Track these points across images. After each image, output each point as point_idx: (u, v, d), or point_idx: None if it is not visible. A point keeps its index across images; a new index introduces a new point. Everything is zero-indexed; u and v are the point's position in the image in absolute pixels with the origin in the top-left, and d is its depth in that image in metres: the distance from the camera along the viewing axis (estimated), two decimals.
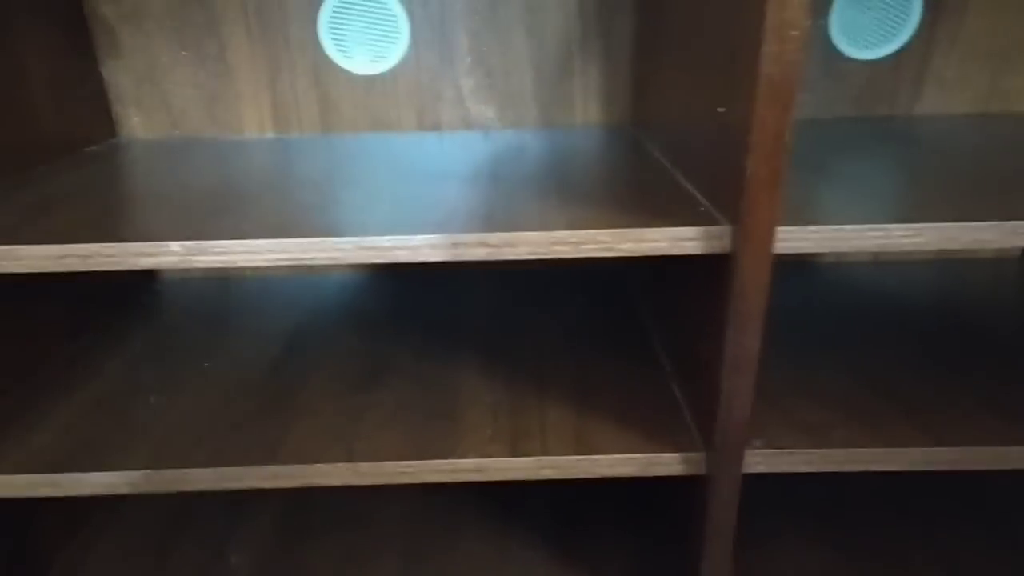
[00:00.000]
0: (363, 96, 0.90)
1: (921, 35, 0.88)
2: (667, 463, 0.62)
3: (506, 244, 0.53)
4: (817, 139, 0.81)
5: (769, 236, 0.51)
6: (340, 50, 0.88)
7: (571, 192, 0.62)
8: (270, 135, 0.91)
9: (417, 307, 0.91)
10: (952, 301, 0.87)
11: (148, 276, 0.98)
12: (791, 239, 0.52)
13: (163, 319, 0.89)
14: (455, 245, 0.53)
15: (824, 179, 0.64)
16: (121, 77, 0.88)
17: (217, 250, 0.53)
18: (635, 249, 0.53)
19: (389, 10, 0.86)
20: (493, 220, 0.56)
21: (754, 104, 0.47)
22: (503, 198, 0.61)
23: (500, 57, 0.89)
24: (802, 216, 0.53)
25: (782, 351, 0.75)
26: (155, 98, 0.89)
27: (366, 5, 0.86)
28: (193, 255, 0.53)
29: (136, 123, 0.91)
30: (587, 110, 0.92)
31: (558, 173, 0.69)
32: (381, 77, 0.90)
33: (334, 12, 0.86)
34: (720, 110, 0.54)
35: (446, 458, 0.62)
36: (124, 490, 0.61)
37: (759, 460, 0.61)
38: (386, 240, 0.53)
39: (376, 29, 0.87)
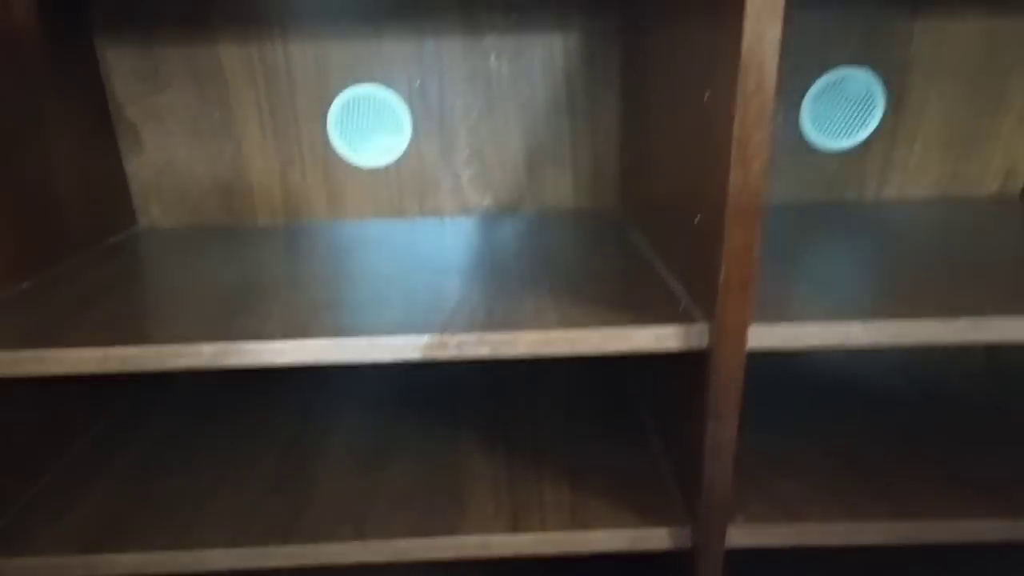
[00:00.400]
0: (369, 186, 0.97)
1: (885, 127, 0.95)
2: (656, 538, 0.67)
3: (505, 343, 0.58)
4: (791, 225, 0.87)
5: (742, 335, 0.57)
6: (347, 144, 0.94)
7: (563, 285, 0.68)
8: (281, 223, 0.98)
9: (423, 389, 0.96)
10: (919, 382, 0.93)
11: None
12: (763, 336, 0.58)
13: (180, 400, 0.94)
14: (460, 345, 0.59)
15: (796, 270, 0.70)
16: (143, 170, 0.95)
17: (244, 352, 0.59)
18: (623, 347, 0.59)
19: (393, 108, 0.93)
20: (493, 317, 0.61)
21: (723, 220, 0.53)
22: (501, 293, 0.67)
23: (496, 149, 0.96)
24: (774, 312, 0.59)
25: (762, 429, 0.81)
26: (174, 189, 0.96)
27: (372, 103, 0.93)
28: (222, 356, 0.59)
29: (156, 213, 0.97)
30: (578, 196, 0.99)
31: (551, 263, 0.75)
32: (386, 169, 0.96)
33: (342, 109, 0.93)
34: (696, 220, 0.60)
35: (452, 535, 0.66)
36: (151, 570, 0.66)
37: (741, 534, 0.66)
38: (398, 340, 0.59)
39: (381, 125, 0.94)
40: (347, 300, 0.67)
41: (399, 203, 0.98)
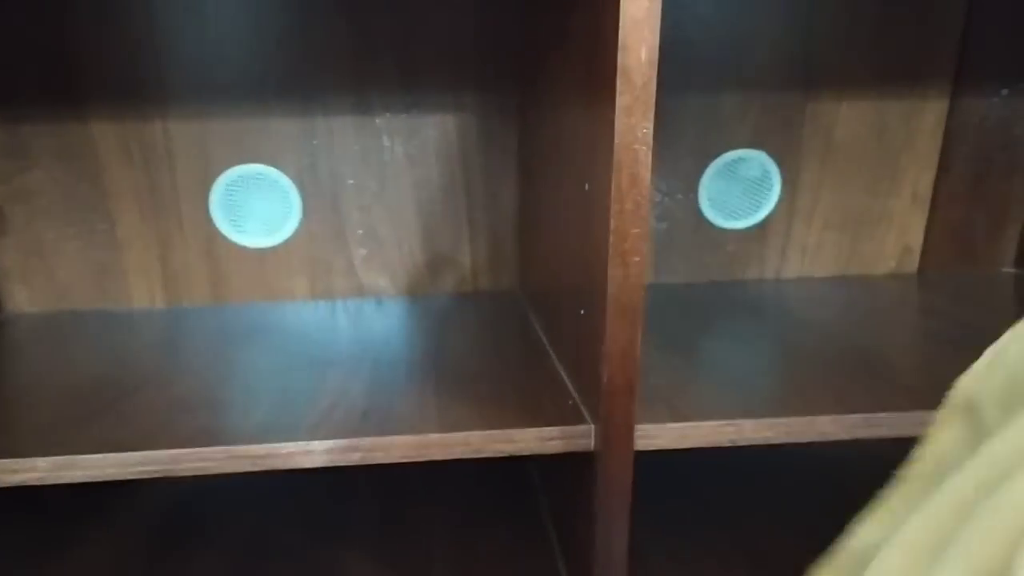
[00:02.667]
0: (255, 268, 0.92)
1: (782, 207, 0.95)
2: None
3: (378, 449, 0.54)
4: (689, 308, 0.86)
5: (629, 437, 0.54)
6: (232, 224, 0.90)
7: (450, 379, 0.64)
8: (160, 306, 0.92)
9: (308, 489, 0.90)
10: (809, 467, 0.92)
11: None
12: (650, 437, 0.55)
13: (36, 502, 0.86)
14: (328, 452, 0.54)
15: (689, 360, 0.67)
16: (8, 253, 0.88)
17: (85, 465, 0.53)
18: (505, 450, 0.55)
19: (281, 187, 0.89)
20: (369, 420, 0.57)
21: (604, 318, 0.50)
22: (383, 389, 0.63)
23: (391, 229, 0.92)
24: (662, 412, 0.56)
25: (653, 513, 0.77)
26: (42, 272, 0.89)
27: (258, 182, 0.88)
28: (60, 470, 0.53)
29: (23, 297, 0.90)
30: (477, 279, 0.95)
31: (441, 353, 0.72)
32: (273, 250, 0.91)
33: (226, 189, 0.88)
34: (581, 312, 0.58)
35: None
36: None
37: None
38: (259, 448, 0.54)
39: (268, 204, 0.89)
40: (214, 399, 0.62)
41: (288, 285, 0.93)
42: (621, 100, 0.45)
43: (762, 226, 0.96)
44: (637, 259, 0.49)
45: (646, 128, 0.46)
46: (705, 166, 0.93)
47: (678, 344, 0.72)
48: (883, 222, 0.97)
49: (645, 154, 0.46)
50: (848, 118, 0.92)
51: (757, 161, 0.93)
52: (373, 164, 0.90)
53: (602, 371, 0.52)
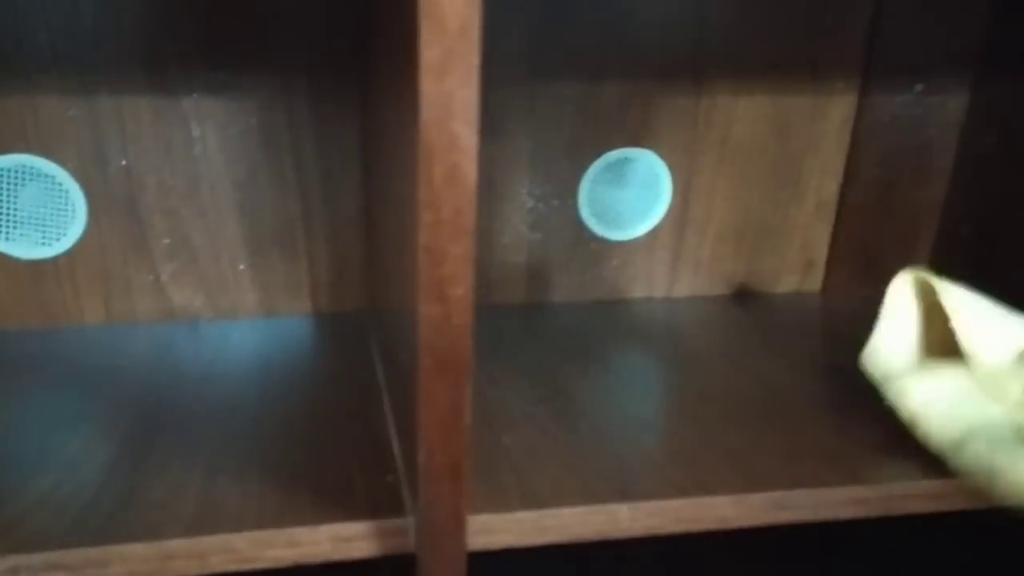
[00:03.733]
0: (30, 284, 0.73)
1: (673, 216, 0.82)
2: None
3: (91, 566, 0.36)
4: (560, 335, 0.71)
5: (459, 532, 0.38)
6: None
7: (236, 444, 0.48)
8: None
9: None
10: None
11: None
12: (491, 531, 0.39)
13: None
14: (16, 571, 0.36)
15: (555, 409, 0.53)
16: None
17: None
18: (283, 558, 0.38)
19: (58, 184, 0.70)
20: (90, 516, 0.40)
21: (417, 373, 0.35)
22: (132, 460, 0.46)
23: (207, 237, 0.74)
24: (507, 495, 0.41)
25: None
26: None
27: (26, 177, 0.69)
28: None
29: None
30: (316, 296, 0.79)
31: (237, 399, 0.55)
32: (53, 262, 0.72)
33: None
34: (401, 358, 0.42)
35: None
36: None
37: None
38: None
39: (41, 206, 0.70)
40: None
41: (76, 306, 0.74)
42: (428, 54, 0.29)
43: (650, 237, 0.82)
44: (460, 292, 0.33)
45: (468, 97, 0.30)
46: (585, 167, 0.79)
47: (542, 387, 0.58)
48: (784, 234, 0.85)
49: (469, 137, 0.31)
50: (746, 115, 0.80)
51: (645, 162, 0.80)
52: (180, 158, 0.72)
53: (418, 445, 0.36)
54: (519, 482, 0.43)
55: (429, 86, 0.30)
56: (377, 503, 0.42)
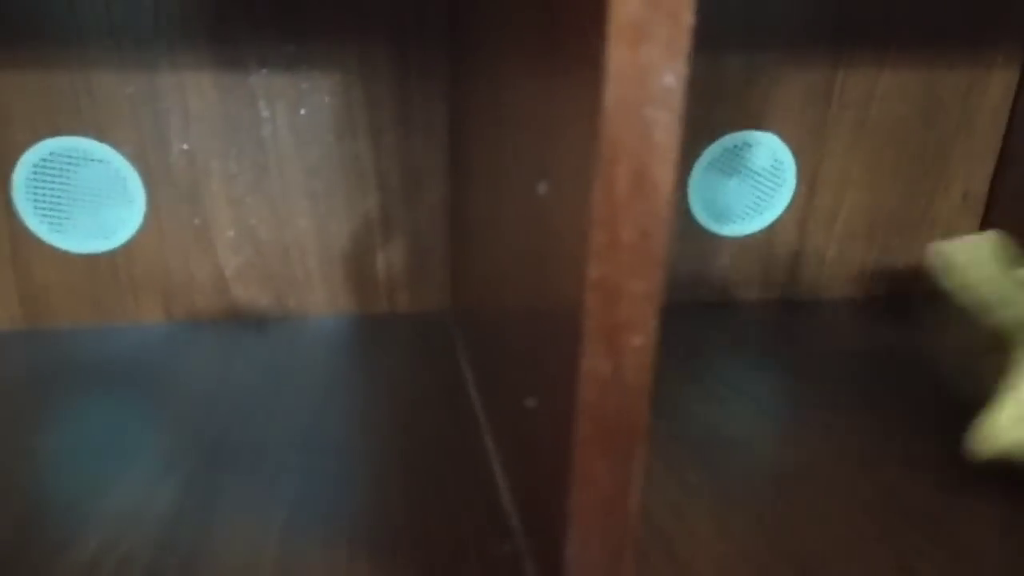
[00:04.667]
0: (84, 280, 0.66)
1: (795, 209, 0.71)
2: None
3: None
4: (665, 344, 0.62)
5: None
6: (47, 221, 0.63)
7: (324, 483, 0.39)
8: None
9: None
10: None
11: None
12: None
13: None
14: None
15: (684, 452, 0.43)
16: None
17: None
18: None
19: (115, 170, 0.62)
20: None
21: (571, 442, 0.26)
22: (219, 515, 0.37)
23: (275, 230, 0.66)
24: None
25: None
26: None
27: (80, 162, 0.62)
28: None
29: None
30: (393, 296, 0.70)
31: (319, 422, 0.47)
32: (109, 255, 0.65)
33: (34, 172, 0.61)
34: (528, 403, 0.33)
35: None
36: None
37: None
38: None
39: (96, 194, 0.63)
40: None
41: (133, 304, 0.67)
42: (621, 11, 0.20)
43: (768, 232, 0.72)
44: (639, 342, 0.24)
45: (673, 73, 0.21)
46: (697, 154, 0.69)
47: (663, 414, 0.48)
48: (924, 229, 0.74)
49: (669, 129, 0.22)
50: (888, 93, 0.69)
51: (766, 147, 0.69)
52: (246, 141, 0.64)
53: (567, 534, 0.27)
54: (675, 566, 0.34)
55: (618, 55, 0.21)
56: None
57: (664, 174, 0.23)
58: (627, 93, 0.22)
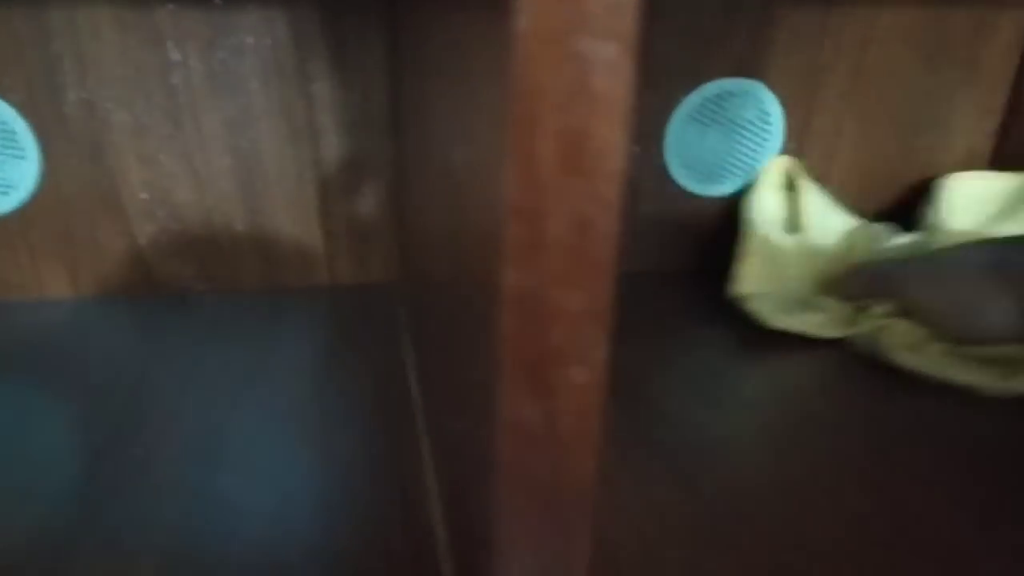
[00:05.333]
0: None
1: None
2: None
3: None
4: (643, 315, 0.55)
5: None
6: None
7: (231, 480, 0.32)
8: None
9: None
10: None
11: None
12: None
13: None
14: None
15: (650, 449, 0.36)
16: None
17: None
18: None
19: (2, 122, 0.53)
20: None
21: (494, 514, 0.18)
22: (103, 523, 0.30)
23: (192, 191, 0.58)
24: None
25: None
26: None
27: None
28: None
29: None
30: (333, 267, 0.62)
31: (237, 406, 0.39)
32: (2, 219, 0.57)
33: None
34: (455, 426, 0.25)
35: None
36: None
37: None
38: None
39: None
40: None
41: (33, 274, 0.59)
42: None
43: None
44: (581, 379, 0.16)
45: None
46: (675, 104, 0.61)
47: (628, 402, 0.41)
48: (924, 190, 0.67)
49: (617, 69, 0.13)
50: (887, 35, 0.61)
51: (751, 96, 0.61)
52: (155, 89, 0.55)
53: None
54: None
55: None
56: None
57: (610, 138, 0.15)
58: (550, 13, 0.14)
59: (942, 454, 0.40)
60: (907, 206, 0.67)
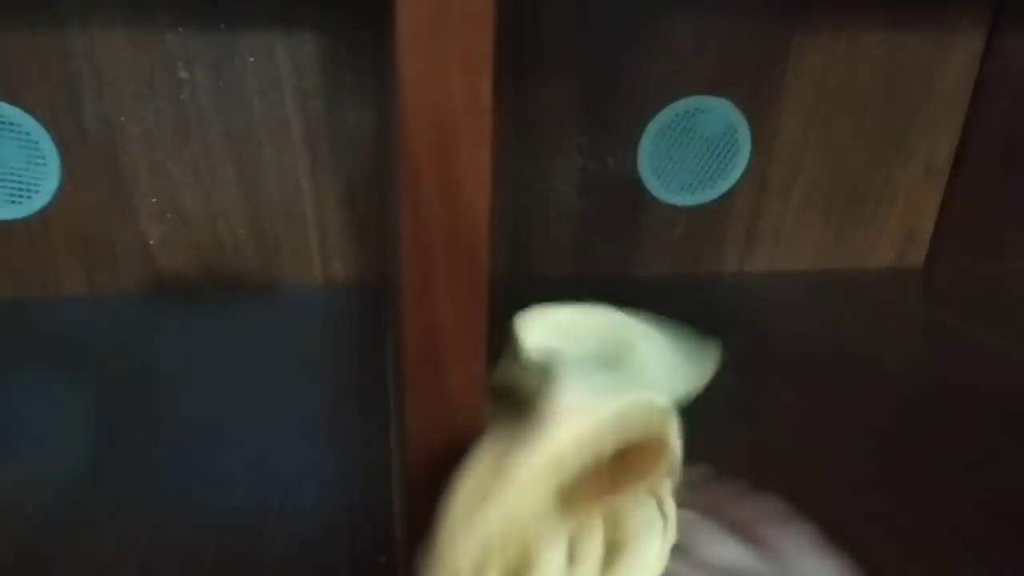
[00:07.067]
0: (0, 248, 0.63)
1: (750, 178, 0.68)
2: None
3: None
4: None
5: None
6: None
7: (216, 478, 0.37)
8: None
9: None
10: None
11: None
12: None
13: None
14: None
15: None
16: None
17: None
18: None
19: (26, 133, 0.59)
20: None
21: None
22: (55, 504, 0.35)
23: (199, 197, 0.63)
24: None
25: None
26: None
27: None
28: None
29: None
30: (328, 266, 0.67)
31: (232, 398, 0.44)
32: (24, 222, 0.62)
33: None
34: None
35: None
36: None
37: None
38: None
39: (8, 159, 0.60)
40: None
41: (52, 274, 0.64)
42: None
43: (723, 203, 0.69)
44: (461, 376, 0.21)
45: None
46: (648, 120, 0.66)
47: None
48: (884, 200, 0.71)
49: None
50: (847, 57, 0.65)
51: (719, 113, 0.66)
52: (165, 104, 0.60)
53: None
54: None
55: None
56: None
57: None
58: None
59: None
60: (869, 220, 0.71)
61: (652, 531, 0.27)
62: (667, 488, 0.28)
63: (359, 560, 0.33)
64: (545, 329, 0.33)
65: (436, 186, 0.19)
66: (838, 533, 0.35)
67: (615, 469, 0.26)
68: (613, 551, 0.27)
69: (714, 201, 0.69)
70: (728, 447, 0.42)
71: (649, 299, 0.65)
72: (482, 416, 0.22)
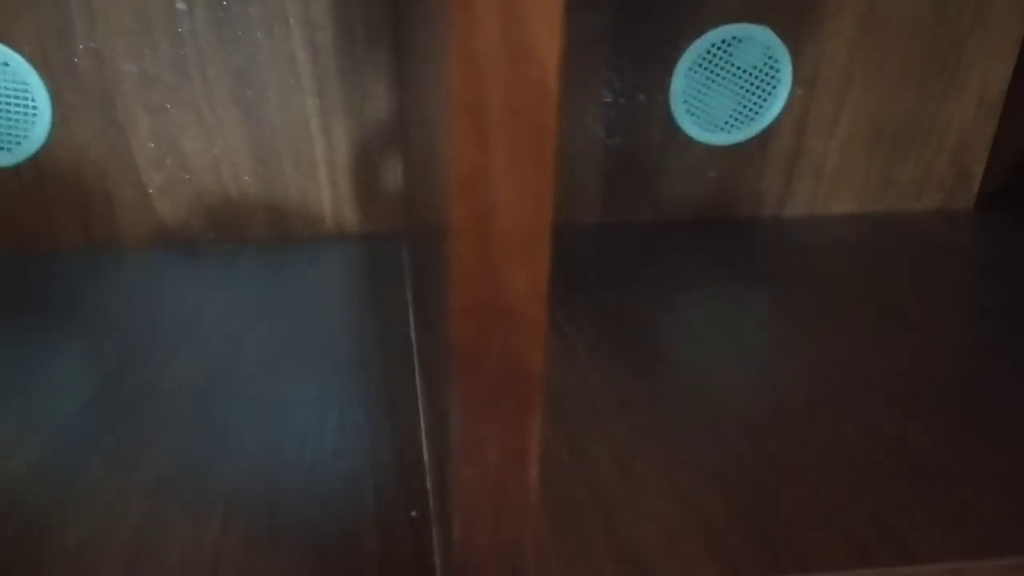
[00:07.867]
0: None
1: (791, 114, 0.63)
2: None
3: None
4: (648, 266, 0.55)
5: None
6: None
7: (229, 435, 0.33)
8: None
9: None
10: None
11: None
12: None
13: None
14: None
15: (643, 388, 0.37)
16: None
17: None
18: None
19: (12, 71, 0.55)
20: None
21: (453, 401, 0.19)
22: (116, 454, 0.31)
23: (200, 141, 0.59)
24: (590, 554, 0.26)
25: None
26: None
27: None
28: None
29: None
30: (340, 217, 0.63)
31: (239, 357, 0.40)
32: (15, 170, 0.58)
33: None
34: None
35: None
36: None
37: None
38: None
39: None
40: None
41: (46, 225, 0.60)
42: None
43: (761, 141, 0.64)
44: (539, 261, 0.17)
45: None
46: (680, 52, 0.61)
47: (630, 345, 0.41)
48: (934, 137, 0.66)
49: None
50: None
51: (757, 43, 0.61)
52: (162, 38, 0.55)
53: (453, 516, 0.21)
54: (608, 528, 0.28)
55: None
56: (390, 554, 0.27)
57: (552, 37, 0.15)
58: None
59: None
60: (918, 157, 0.66)
61: None
62: None
63: (387, 516, 0.29)
64: None
65: (498, 24, 0.14)
66: (928, 479, 0.31)
67: None
68: None
69: (752, 139, 0.64)
70: (797, 391, 0.38)
71: (682, 246, 0.61)
72: (546, 342, 0.18)
